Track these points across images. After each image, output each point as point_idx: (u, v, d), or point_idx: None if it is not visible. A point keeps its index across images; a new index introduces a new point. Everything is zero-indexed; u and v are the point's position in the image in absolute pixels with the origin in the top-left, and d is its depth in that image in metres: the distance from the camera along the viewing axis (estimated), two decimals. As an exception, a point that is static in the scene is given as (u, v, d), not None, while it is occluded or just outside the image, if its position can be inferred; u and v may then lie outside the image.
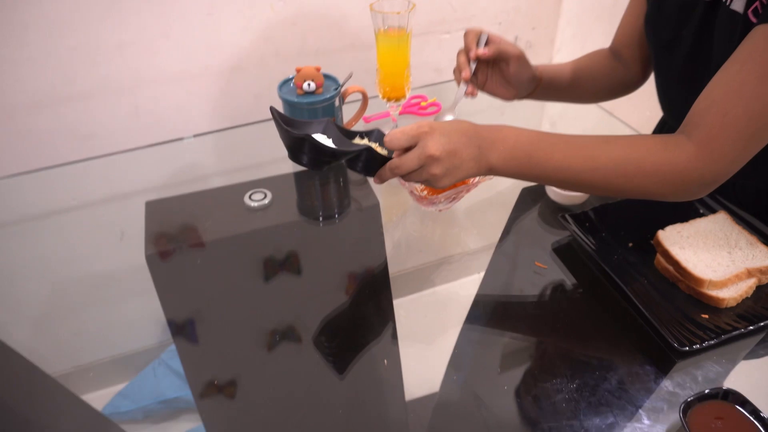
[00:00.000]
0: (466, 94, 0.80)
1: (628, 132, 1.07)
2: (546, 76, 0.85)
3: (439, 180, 0.63)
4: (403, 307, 0.73)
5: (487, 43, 0.78)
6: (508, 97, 0.83)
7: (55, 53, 1.06)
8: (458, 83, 0.80)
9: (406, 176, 0.65)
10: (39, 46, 1.05)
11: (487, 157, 0.64)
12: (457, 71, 0.80)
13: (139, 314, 0.77)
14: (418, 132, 0.62)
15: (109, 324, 0.76)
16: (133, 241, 0.84)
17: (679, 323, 0.67)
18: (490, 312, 0.73)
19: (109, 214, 0.95)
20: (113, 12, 1.06)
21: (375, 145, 0.69)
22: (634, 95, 0.94)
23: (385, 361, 0.66)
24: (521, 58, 0.79)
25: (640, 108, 1.17)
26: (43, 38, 1.04)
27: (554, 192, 0.86)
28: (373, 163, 0.66)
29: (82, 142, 1.15)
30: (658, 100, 0.88)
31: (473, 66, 0.78)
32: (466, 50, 0.79)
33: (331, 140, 0.70)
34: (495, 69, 0.81)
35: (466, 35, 0.78)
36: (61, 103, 1.11)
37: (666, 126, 0.93)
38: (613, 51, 0.89)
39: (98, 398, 0.66)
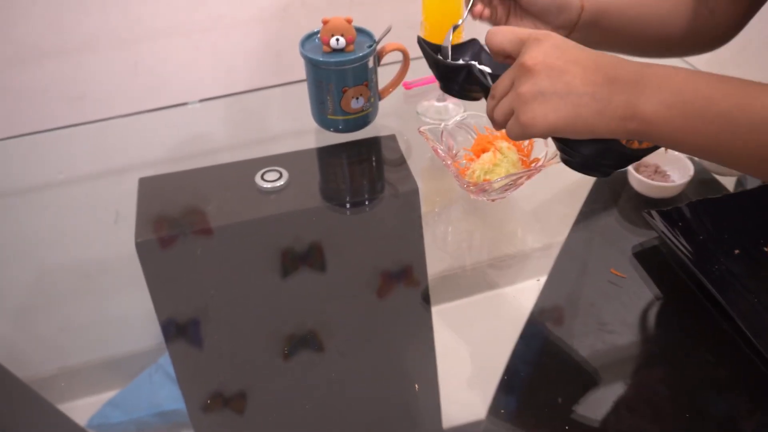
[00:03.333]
0: (474, 14, 0.75)
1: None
2: (592, 6, 0.77)
3: (526, 108, 0.53)
4: (443, 316, 0.73)
5: None
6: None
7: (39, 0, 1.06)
8: (466, 4, 0.76)
9: (497, 109, 0.57)
10: (22, -10, 1.05)
11: (630, 103, 0.51)
12: None
13: (135, 311, 0.78)
14: (528, 35, 0.55)
15: (100, 321, 0.77)
16: (128, 224, 0.85)
17: (798, 356, 0.63)
18: (552, 328, 0.71)
19: (100, 190, 0.97)
20: (109, -49, 1.07)
21: None
22: (745, 59, 0.88)
23: (416, 385, 0.66)
24: None
25: (756, 76, 1.10)
26: (28, -20, 1.05)
27: (638, 180, 0.84)
28: None
29: (70, 103, 1.17)
30: None
31: None
32: None
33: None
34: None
35: None
36: (46, 57, 1.12)
37: None
38: None
39: (85, 406, 0.67)
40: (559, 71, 0.52)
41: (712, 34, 0.82)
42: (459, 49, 0.76)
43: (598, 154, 0.56)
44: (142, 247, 0.81)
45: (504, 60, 0.59)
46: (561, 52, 0.53)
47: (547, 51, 0.53)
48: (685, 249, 0.74)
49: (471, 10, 0.76)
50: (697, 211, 0.78)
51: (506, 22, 0.77)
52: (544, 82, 0.52)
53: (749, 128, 0.48)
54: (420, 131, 0.85)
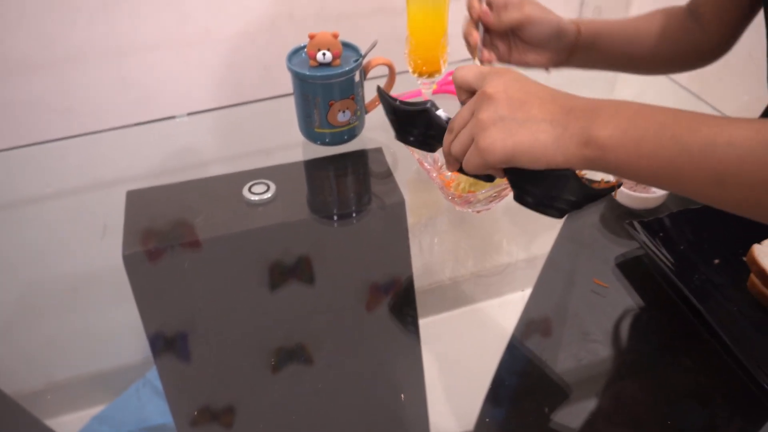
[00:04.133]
0: (483, 60, 0.76)
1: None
2: (588, 30, 0.80)
3: (486, 134, 0.54)
4: (430, 328, 0.73)
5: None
6: (542, 62, 0.79)
7: (29, 12, 1.07)
8: (473, 56, 0.78)
9: (455, 141, 0.59)
10: (10, 3, 1.06)
11: (586, 128, 0.52)
12: (466, 38, 0.77)
13: (123, 325, 0.77)
14: (489, 69, 0.58)
15: (87, 335, 0.77)
16: (115, 237, 0.85)
17: (777, 364, 0.64)
18: (538, 339, 0.72)
19: (88, 203, 0.96)
20: (98, -36, 1.07)
21: None
22: (727, 75, 0.90)
23: (403, 395, 0.65)
24: (534, 7, 0.75)
25: (737, 90, 1.12)
26: (15, -6, 1.05)
27: (621, 192, 0.84)
28: None
29: (57, 117, 1.17)
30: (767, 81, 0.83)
31: (482, 30, 0.75)
32: (469, 8, 0.76)
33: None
34: (515, 34, 0.78)
35: None
36: (33, 71, 1.12)
37: None
38: (691, 9, 0.84)
39: (72, 422, 0.66)
40: (519, 101, 0.54)
41: (704, 50, 0.84)
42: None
43: (551, 191, 0.56)
44: (129, 260, 0.81)
45: (466, 99, 0.60)
46: (521, 85, 0.55)
47: (507, 82, 0.55)
48: (666, 259, 0.75)
49: (480, 58, 0.77)
50: (677, 221, 0.79)
51: (509, 57, 0.79)
52: (504, 109, 0.54)
53: (701, 152, 0.48)
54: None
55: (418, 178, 0.94)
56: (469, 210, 0.86)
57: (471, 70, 0.58)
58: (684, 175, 0.50)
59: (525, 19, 0.75)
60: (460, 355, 0.71)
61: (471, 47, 0.78)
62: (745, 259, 0.73)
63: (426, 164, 0.83)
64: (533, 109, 0.53)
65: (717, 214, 0.77)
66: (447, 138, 0.61)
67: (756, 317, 0.69)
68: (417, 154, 0.84)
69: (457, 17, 0.94)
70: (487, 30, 0.77)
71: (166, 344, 0.72)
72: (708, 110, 1.05)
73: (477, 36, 0.76)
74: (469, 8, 0.77)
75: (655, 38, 0.83)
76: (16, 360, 0.74)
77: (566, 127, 0.52)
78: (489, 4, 0.76)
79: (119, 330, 0.77)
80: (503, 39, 0.79)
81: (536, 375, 0.68)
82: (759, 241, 0.72)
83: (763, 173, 0.46)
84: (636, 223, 0.78)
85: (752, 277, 0.71)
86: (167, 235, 0.85)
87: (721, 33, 0.83)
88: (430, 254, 0.83)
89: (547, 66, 0.80)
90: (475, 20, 0.76)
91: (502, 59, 0.79)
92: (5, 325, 0.77)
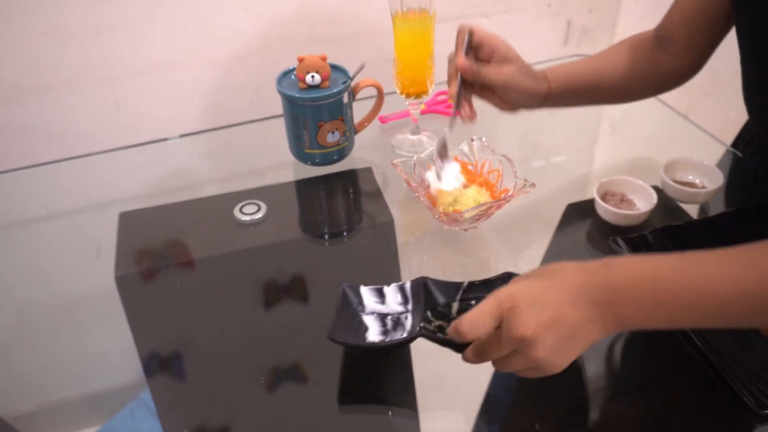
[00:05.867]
0: (462, 118, 0.79)
1: (705, 138, 1.04)
2: (559, 82, 0.83)
3: (548, 364, 0.55)
4: (421, 345, 0.71)
5: (471, 46, 0.78)
6: (507, 109, 0.82)
7: (24, 37, 1.08)
8: (450, 100, 0.80)
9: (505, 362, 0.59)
10: (4, 29, 1.07)
11: (618, 313, 0.55)
12: (448, 83, 0.80)
13: (117, 345, 0.77)
14: (499, 310, 0.55)
15: (81, 356, 0.77)
16: (108, 259, 0.85)
17: (759, 377, 0.64)
18: None
19: (81, 225, 0.97)
20: (91, -10, 1.08)
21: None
22: (714, 91, 0.91)
23: (390, 413, 0.65)
24: (512, 71, 0.78)
25: (726, 105, 1.13)
26: (9, 20, 1.07)
27: (604, 209, 0.85)
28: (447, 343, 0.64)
29: (52, 141, 1.18)
30: (744, 99, 0.84)
31: (461, 80, 0.78)
32: (449, 59, 0.79)
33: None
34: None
35: (458, 33, 0.78)
36: (29, 95, 1.13)
37: (752, 131, 0.90)
38: (660, 35, 0.86)
39: None
40: (555, 322, 0.54)
41: (674, 75, 0.87)
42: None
43: None
44: (121, 281, 0.81)
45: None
46: (542, 306, 0.54)
47: (529, 314, 0.54)
48: None
49: (456, 118, 0.79)
50: (660, 237, 0.79)
51: (482, 96, 0.82)
52: (549, 341, 0.54)
53: (720, 310, 0.55)
54: (393, 163, 0.87)
55: (407, 197, 0.95)
56: (457, 228, 0.86)
57: (478, 326, 0.56)
58: (718, 324, 0.59)
59: (501, 84, 0.78)
60: (451, 373, 0.70)
61: (450, 94, 0.80)
62: (726, 273, 0.73)
63: (413, 183, 0.85)
64: (571, 317, 0.54)
65: (700, 231, 0.78)
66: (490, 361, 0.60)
67: (737, 332, 0.69)
68: (404, 174, 0.86)
69: (442, 38, 0.96)
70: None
71: (159, 364, 0.72)
72: (694, 130, 1.07)
73: (454, 87, 0.78)
74: (450, 60, 0.79)
75: (624, 73, 0.86)
76: (10, 381, 0.74)
77: (603, 318, 0.55)
78: (476, 48, 0.78)
79: (113, 350, 0.77)
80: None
81: (528, 390, 0.67)
82: (740, 255, 0.73)
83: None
84: (620, 240, 0.79)
85: (733, 291, 0.72)
86: (159, 255, 0.85)
87: (692, 56, 0.85)
88: (420, 272, 0.82)
89: (513, 111, 0.83)
90: (455, 70, 0.78)
91: (475, 93, 0.82)
92: (-1, 347, 0.77)
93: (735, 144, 1.01)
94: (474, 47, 0.78)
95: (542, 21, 1.43)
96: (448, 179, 0.84)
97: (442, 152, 0.84)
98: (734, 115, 0.97)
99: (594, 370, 0.69)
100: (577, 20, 1.46)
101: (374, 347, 0.69)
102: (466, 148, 0.91)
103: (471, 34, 0.77)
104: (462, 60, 0.76)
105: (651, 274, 0.55)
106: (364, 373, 0.70)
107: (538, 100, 0.83)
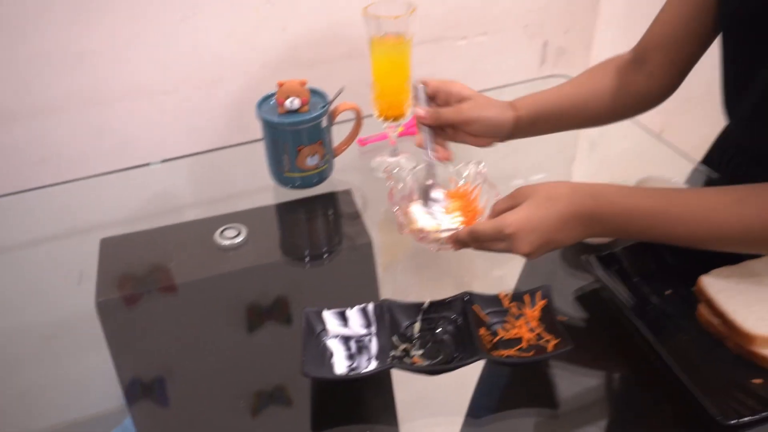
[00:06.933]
0: (437, 159, 0.84)
1: (677, 158, 1.07)
2: (527, 109, 0.85)
3: (531, 258, 0.72)
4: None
5: (428, 96, 0.83)
6: (482, 144, 0.85)
7: (5, 63, 1.09)
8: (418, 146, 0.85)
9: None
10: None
11: (600, 230, 0.72)
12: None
13: (99, 372, 0.77)
14: (502, 232, 0.70)
15: (63, 383, 0.77)
16: (89, 285, 0.85)
17: (724, 390, 0.65)
18: (506, 374, 0.73)
19: (62, 252, 0.97)
20: (74, 16, 1.09)
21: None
22: (690, 108, 0.93)
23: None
24: (472, 106, 0.82)
25: (699, 123, 1.15)
26: (-9, 47, 1.07)
27: None
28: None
29: (33, 166, 1.18)
30: (722, 105, 0.85)
31: (427, 129, 0.83)
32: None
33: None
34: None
35: (411, 89, 0.84)
36: (9, 120, 1.13)
37: (729, 140, 0.92)
38: (638, 56, 0.87)
39: None
40: (548, 242, 0.71)
41: (652, 94, 0.88)
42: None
43: None
44: (102, 307, 0.81)
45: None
46: (537, 234, 0.69)
47: (528, 239, 0.69)
48: (621, 291, 0.77)
49: (432, 157, 0.84)
50: (631, 254, 0.81)
51: (455, 138, 0.86)
52: (540, 251, 0.71)
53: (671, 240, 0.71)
54: (384, 171, 0.89)
55: (387, 219, 0.96)
56: (431, 248, 0.86)
57: (483, 239, 0.73)
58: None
59: (463, 120, 0.82)
60: (431, 393, 0.71)
61: (417, 143, 0.85)
62: (694, 289, 0.75)
63: (394, 195, 0.86)
64: (558, 239, 0.71)
65: (668, 247, 0.80)
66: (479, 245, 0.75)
67: (704, 346, 0.71)
68: (393, 182, 0.87)
69: (421, 61, 0.98)
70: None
71: (141, 390, 0.72)
72: (667, 150, 1.09)
73: (420, 138, 0.84)
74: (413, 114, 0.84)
75: (598, 98, 0.87)
76: (-10, 410, 0.73)
77: (585, 234, 0.72)
78: (433, 96, 0.83)
79: (95, 378, 0.77)
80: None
81: (508, 405, 0.69)
82: (706, 272, 0.75)
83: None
84: (592, 258, 0.81)
85: (701, 307, 0.73)
86: (140, 281, 0.86)
87: (670, 76, 0.86)
88: (399, 293, 0.83)
89: (487, 146, 0.86)
90: (419, 121, 0.83)
91: (447, 139, 0.86)
92: (-23, 377, 0.77)
93: (709, 156, 1.01)
94: (431, 96, 0.84)
95: (519, 42, 1.45)
96: (432, 221, 0.85)
97: (425, 198, 0.86)
98: (706, 132, 0.99)
99: (565, 384, 0.70)
100: (553, 41, 1.49)
101: (349, 379, 0.70)
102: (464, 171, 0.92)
103: (425, 85, 0.83)
104: (419, 111, 0.82)
105: (629, 211, 0.71)
106: (345, 395, 0.70)
107: (507, 129, 0.84)
